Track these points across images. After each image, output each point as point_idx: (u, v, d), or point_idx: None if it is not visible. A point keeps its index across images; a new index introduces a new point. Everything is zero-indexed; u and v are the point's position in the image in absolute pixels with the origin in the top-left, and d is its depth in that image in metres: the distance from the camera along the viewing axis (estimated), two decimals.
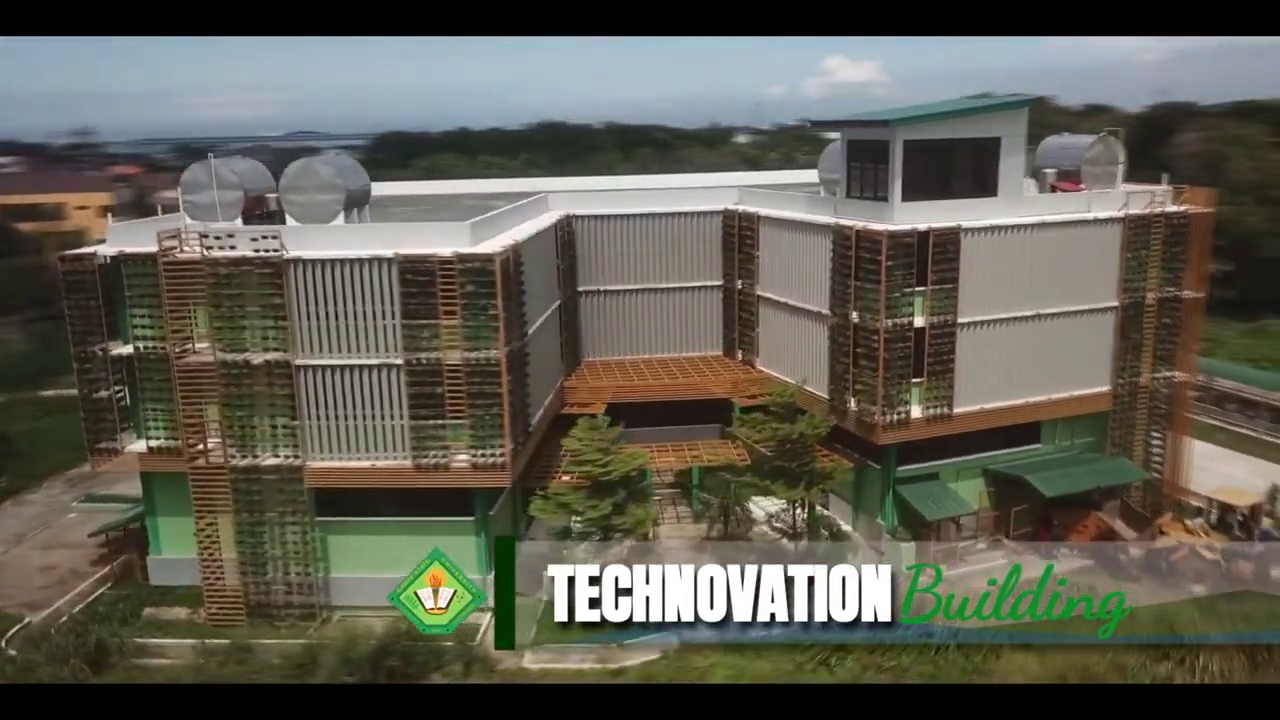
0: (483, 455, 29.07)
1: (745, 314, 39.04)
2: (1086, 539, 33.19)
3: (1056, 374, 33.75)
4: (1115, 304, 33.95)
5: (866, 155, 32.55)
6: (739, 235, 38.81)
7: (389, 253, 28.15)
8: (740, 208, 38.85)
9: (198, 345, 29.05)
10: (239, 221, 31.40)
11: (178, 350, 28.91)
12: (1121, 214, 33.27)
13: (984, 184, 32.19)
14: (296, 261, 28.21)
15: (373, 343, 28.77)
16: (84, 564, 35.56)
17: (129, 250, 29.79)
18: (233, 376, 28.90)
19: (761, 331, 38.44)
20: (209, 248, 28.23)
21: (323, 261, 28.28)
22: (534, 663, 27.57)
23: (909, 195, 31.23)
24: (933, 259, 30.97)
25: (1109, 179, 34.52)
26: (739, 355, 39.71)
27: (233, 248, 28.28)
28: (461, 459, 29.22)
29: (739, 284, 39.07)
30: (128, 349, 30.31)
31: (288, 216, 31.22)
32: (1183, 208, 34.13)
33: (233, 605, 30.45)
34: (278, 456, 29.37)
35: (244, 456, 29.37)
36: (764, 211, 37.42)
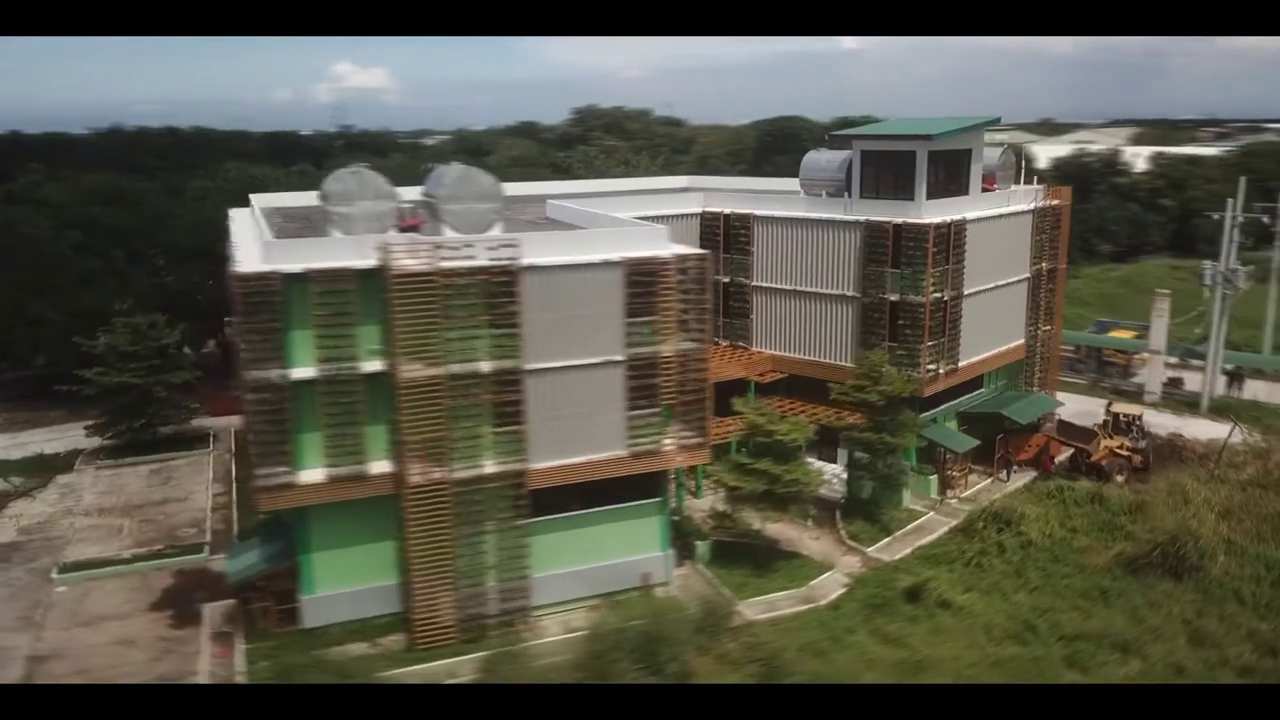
0: (688, 437, 31.86)
1: (736, 303, 44.32)
2: (1030, 457, 43.68)
3: (1004, 332, 43.87)
4: (1028, 275, 44.83)
5: (884, 163, 39.82)
6: (725, 233, 43.99)
7: (617, 256, 29.93)
8: (728, 210, 44.00)
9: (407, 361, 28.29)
10: (392, 232, 30.54)
11: (403, 367, 28.00)
12: (1033, 206, 44.16)
13: (962, 185, 41.03)
14: (530, 269, 28.87)
15: (596, 343, 30.22)
16: (171, 628, 31.69)
17: (317, 266, 27.99)
18: (461, 387, 28.67)
19: (755, 318, 44.02)
20: (444, 259, 27.85)
21: (556, 267, 29.24)
22: None
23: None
24: (951, 244, 39.18)
25: (1009, 181, 45.24)
26: (724, 341, 44.82)
27: (470, 258, 28.16)
28: (669, 443, 31.73)
29: (726, 278, 44.21)
30: (306, 372, 28.33)
31: (444, 226, 30.97)
32: (1055, 201, 45.93)
33: (443, 625, 29.89)
34: (502, 463, 29.57)
35: (468, 468, 29.16)
36: (759, 212, 43.02)
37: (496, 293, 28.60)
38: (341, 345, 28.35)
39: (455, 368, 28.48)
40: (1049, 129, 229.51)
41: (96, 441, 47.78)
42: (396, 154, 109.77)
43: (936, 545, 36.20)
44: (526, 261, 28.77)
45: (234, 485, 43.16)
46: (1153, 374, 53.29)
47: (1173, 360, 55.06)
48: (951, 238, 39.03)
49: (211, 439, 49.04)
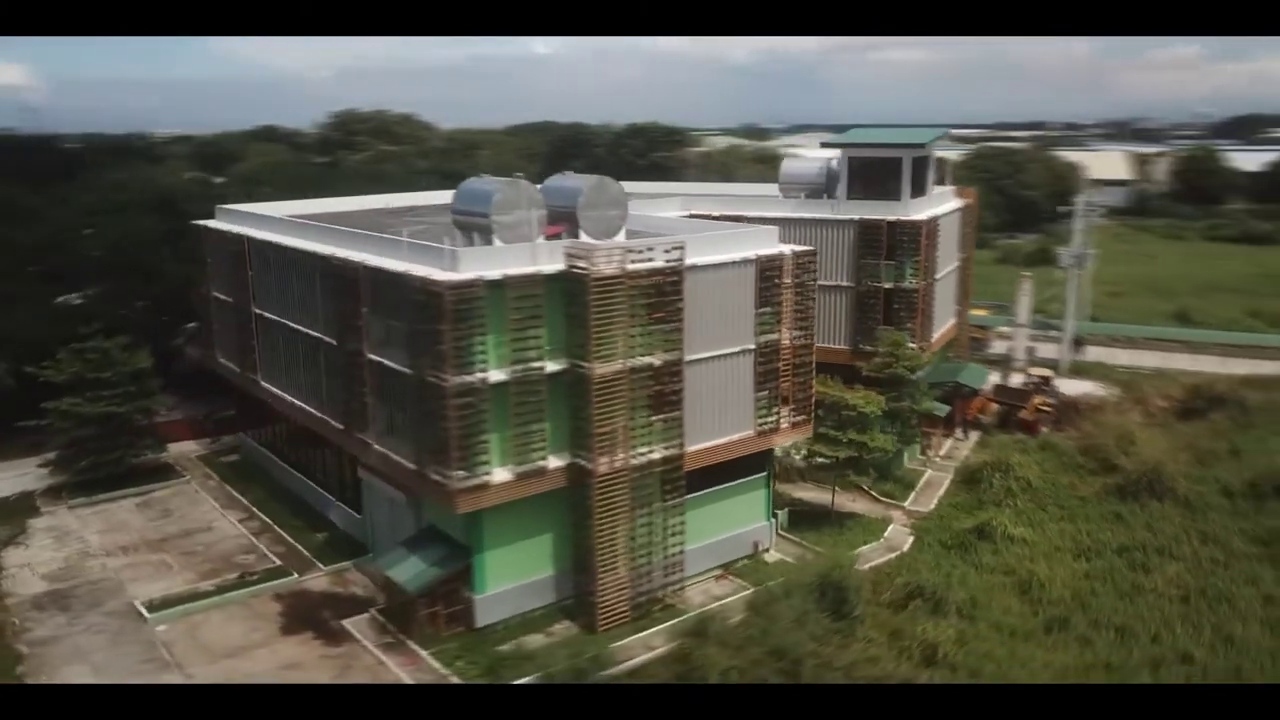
0: (797, 416, 35.75)
1: None
2: (972, 415, 51.24)
3: (947, 313, 51.04)
4: (958, 263, 52.38)
5: (871, 169, 45.48)
6: None
7: (752, 254, 33.28)
8: (715, 213, 47.95)
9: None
10: (542, 239, 32.06)
11: (597, 364, 29.88)
12: (963, 204, 51.73)
13: (923, 187, 47.60)
14: (692, 268, 31.61)
15: (734, 334, 33.38)
16: (326, 647, 31.52)
17: (515, 272, 29.29)
18: (638, 380, 30.91)
19: None
20: (631, 263, 30.03)
21: (707, 266, 32.13)
22: None
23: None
24: (929, 237, 45.57)
25: (939, 183, 52.57)
26: None
27: (650, 260, 30.48)
28: (785, 422, 35.46)
29: None
30: (499, 375, 29.51)
31: (582, 232, 32.88)
32: (969, 200, 53.88)
33: (619, 606, 31.92)
34: (665, 449, 32.04)
35: (641, 455, 31.43)
36: (751, 214, 47.28)
37: (667, 291, 31.08)
38: (530, 347, 29.72)
39: (635, 362, 30.66)
40: (756, 134, 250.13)
41: (46, 481, 43.82)
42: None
43: (954, 495, 42.30)
44: (689, 261, 31.49)
45: (254, 509, 41.53)
46: (1018, 345, 63.03)
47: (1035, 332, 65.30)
48: (930, 232, 45.40)
49: (172, 467, 46.18)
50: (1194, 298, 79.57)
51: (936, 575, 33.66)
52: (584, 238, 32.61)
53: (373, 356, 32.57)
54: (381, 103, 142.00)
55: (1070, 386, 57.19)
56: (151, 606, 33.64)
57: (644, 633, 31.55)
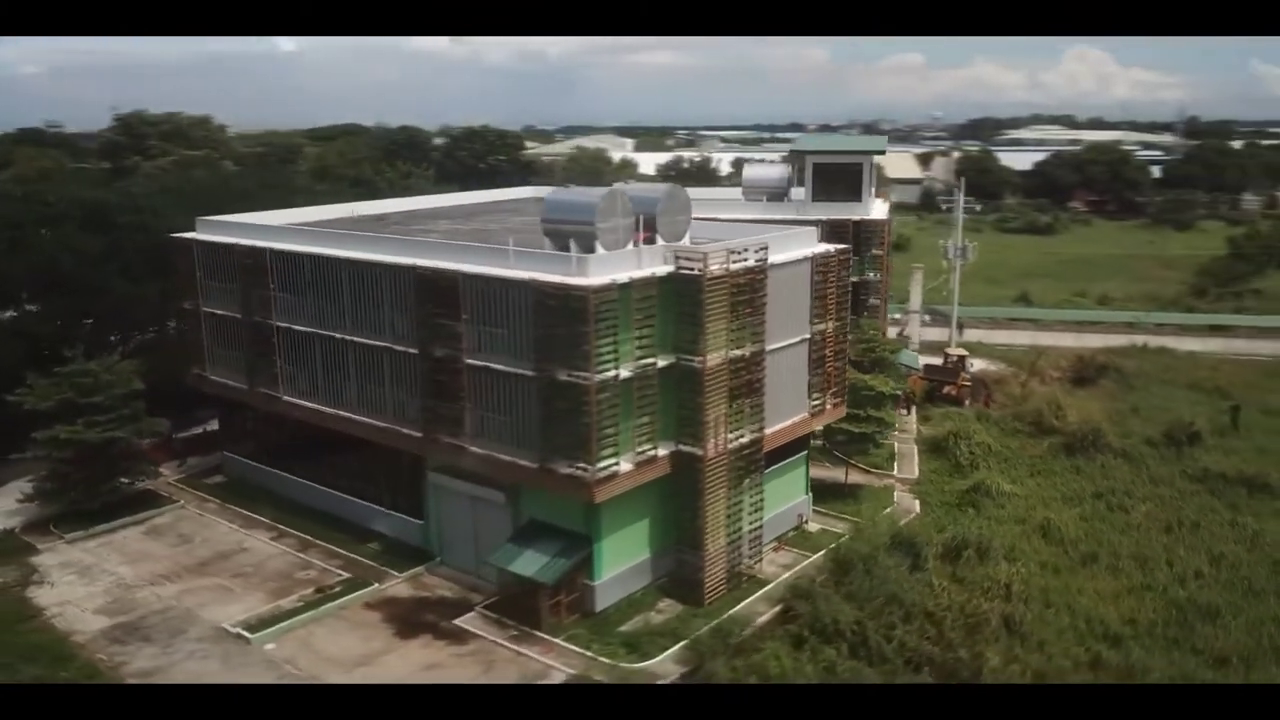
0: (836, 398, 39.69)
1: None
2: (915, 392, 57.22)
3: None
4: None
5: (834, 174, 50.19)
6: None
7: (809, 252, 36.88)
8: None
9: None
10: (631, 245, 34.24)
11: (709, 356, 32.54)
12: (890, 203, 57.61)
13: (870, 190, 52.89)
14: (772, 266, 34.82)
15: (795, 325, 36.84)
16: (454, 645, 32.46)
17: (639, 275, 31.48)
18: (735, 370, 33.82)
19: None
20: (734, 263, 32.87)
21: (781, 264, 35.42)
22: None
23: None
24: (887, 234, 50.90)
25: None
26: None
27: (745, 260, 33.41)
28: (829, 404, 39.30)
29: None
30: (626, 371, 31.62)
31: (658, 236, 35.31)
32: (889, 201, 59.90)
33: (720, 580, 34.70)
34: (751, 433, 35.08)
35: (737, 438, 34.36)
36: (724, 216, 50.83)
37: (755, 288, 34.10)
38: (649, 344, 31.97)
39: (732, 353, 33.51)
40: (539, 136, 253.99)
41: (18, 518, 41.20)
42: None
43: (930, 463, 47.65)
44: (772, 260, 34.68)
45: (280, 527, 40.75)
46: (913, 329, 70.18)
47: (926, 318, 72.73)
48: (889, 229, 50.70)
49: (155, 492, 44.25)
50: (1022, 283, 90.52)
51: (969, 529, 38.48)
52: (659, 241, 35.00)
53: (473, 362, 33.54)
54: (114, 103, 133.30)
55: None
56: (248, 627, 33.03)
57: (744, 602, 34.40)
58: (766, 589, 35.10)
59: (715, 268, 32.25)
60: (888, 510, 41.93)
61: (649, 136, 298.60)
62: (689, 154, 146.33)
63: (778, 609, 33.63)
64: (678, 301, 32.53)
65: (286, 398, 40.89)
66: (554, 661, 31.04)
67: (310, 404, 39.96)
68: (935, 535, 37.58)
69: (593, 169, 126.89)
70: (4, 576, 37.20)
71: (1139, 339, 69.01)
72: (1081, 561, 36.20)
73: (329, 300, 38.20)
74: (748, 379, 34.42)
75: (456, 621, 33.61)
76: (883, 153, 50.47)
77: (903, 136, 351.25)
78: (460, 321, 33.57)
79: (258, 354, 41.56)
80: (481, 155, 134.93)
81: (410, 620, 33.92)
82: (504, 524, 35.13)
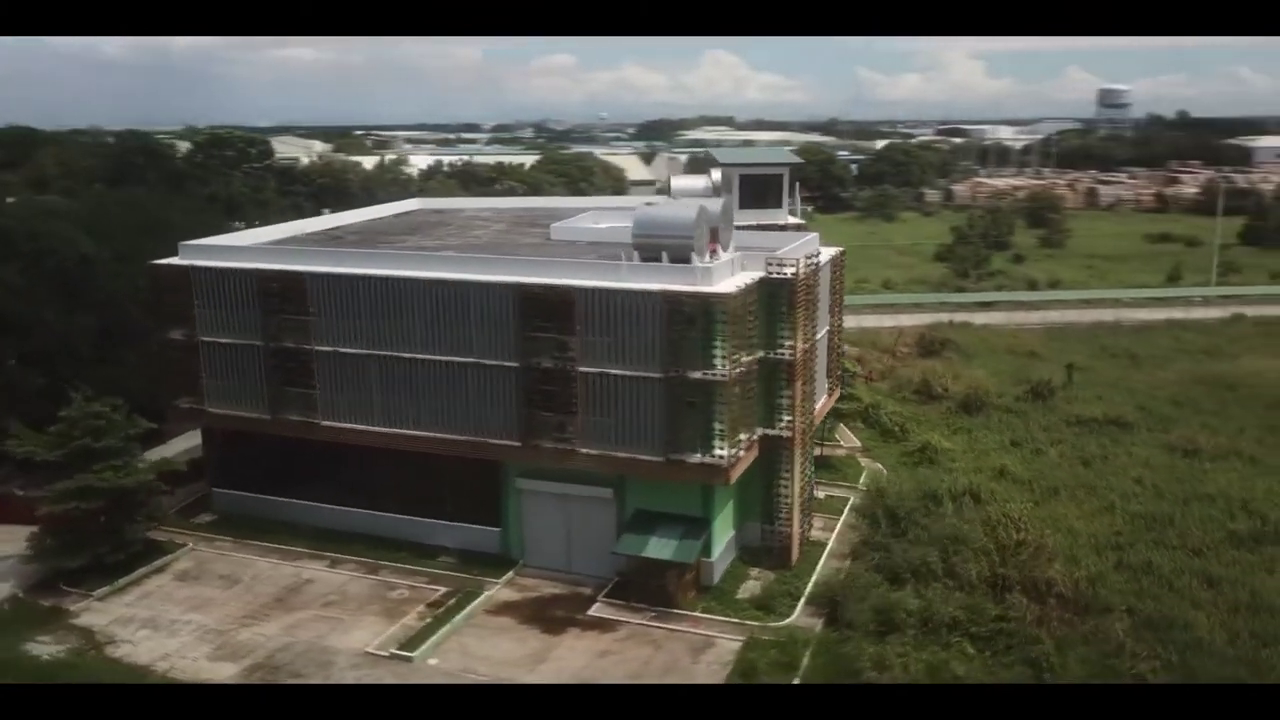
0: (836, 384, 45.71)
1: None
2: None
3: None
4: None
5: (756, 184, 56.05)
6: None
7: (834, 252, 42.60)
8: (603, 225, 54.92)
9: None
10: (708, 255, 38.15)
11: (801, 346, 37.36)
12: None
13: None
14: (820, 267, 40.12)
15: (824, 318, 42.32)
16: (604, 634, 34.88)
17: (749, 281, 35.65)
18: (805, 364, 38.86)
19: None
20: (808, 268, 37.84)
21: (822, 265, 40.78)
22: None
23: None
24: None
25: None
26: None
27: (812, 264, 38.44)
28: (835, 388, 45.25)
29: None
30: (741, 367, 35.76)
31: (719, 245, 39.48)
32: None
33: (800, 545, 39.65)
34: (804, 420, 40.27)
35: (807, 420, 39.45)
36: None
37: (817, 286, 39.23)
38: (754, 340, 36.23)
39: (803, 346, 38.48)
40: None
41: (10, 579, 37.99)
42: None
43: (862, 432, 55.00)
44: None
45: (329, 554, 40.17)
46: None
47: None
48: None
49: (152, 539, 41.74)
50: None
51: (947, 481, 45.88)
52: (720, 252, 39.18)
53: (587, 370, 35.89)
54: None
55: None
56: (401, 647, 33.34)
57: (820, 561, 39.48)
58: (829, 548, 40.43)
59: (800, 272, 37.04)
60: (865, 474, 48.57)
61: (348, 139, 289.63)
62: (450, 158, 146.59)
63: (848, 562, 39.10)
64: (769, 302, 36.91)
65: (325, 423, 40.26)
66: (710, 631, 34.51)
67: (360, 426, 39.74)
68: (940, 486, 44.19)
69: (379, 178, 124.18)
70: (63, 643, 34.21)
71: (941, 317, 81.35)
72: (1045, 495, 44.77)
73: (392, 321, 38.39)
74: (811, 367, 39.52)
75: (590, 613, 35.90)
76: (801, 164, 56.99)
77: (587, 137, 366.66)
78: (574, 333, 35.77)
79: (285, 381, 40.42)
80: (235, 163, 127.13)
81: (544, 618, 35.72)
82: (607, 518, 37.74)
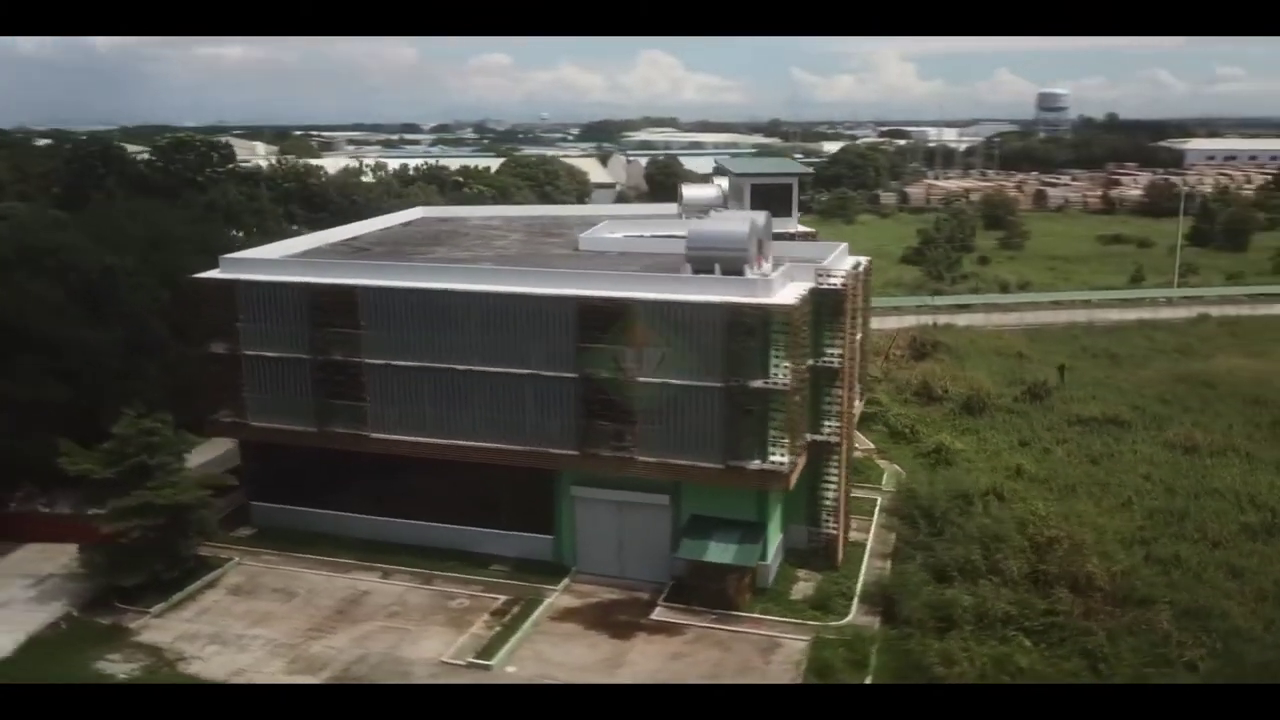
0: (862, 388, 47.23)
1: None
2: None
3: None
4: None
5: (766, 194, 57.37)
6: None
7: (865, 260, 44.00)
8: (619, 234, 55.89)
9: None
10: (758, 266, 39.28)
11: (846, 354, 38.75)
12: None
13: None
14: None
15: (855, 325, 43.76)
16: (671, 637, 35.94)
17: (804, 292, 36.92)
18: (849, 370, 40.25)
19: None
20: (853, 277, 39.24)
21: (860, 275, 42.20)
22: None
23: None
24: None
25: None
26: None
27: (860, 276, 39.84)
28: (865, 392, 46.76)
29: None
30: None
31: (762, 258, 40.67)
32: None
33: (844, 546, 41.06)
34: (848, 425, 41.69)
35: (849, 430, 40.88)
36: (679, 233, 56.29)
37: (859, 295, 40.67)
38: (807, 348, 37.52)
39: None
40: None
41: (53, 599, 37.87)
42: None
43: (873, 434, 56.73)
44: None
45: (380, 565, 40.50)
46: None
47: None
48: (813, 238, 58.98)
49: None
50: None
51: (968, 481, 47.61)
52: (763, 264, 40.39)
53: (647, 379, 36.82)
54: None
55: None
56: (478, 655, 33.94)
57: (864, 561, 40.89)
58: (868, 548, 41.89)
59: (850, 282, 38.42)
60: (887, 475, 50.19)
61: (289, 139, 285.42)
62: (415, 161, 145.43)
63: (889, 561, 40.61)
64: (818, 311, 38.20)
65: (375, 435, 40.57)
66: (773, 632, 35.68)
67: (411, 438, 40.14)
68: (969, 487, 45.77)
69: (359, 185, 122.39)
70: (133, 661, 34.19)
71: (923, 320, 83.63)
72: (1063, 493, 46.75)
73: (447, 334, 38.88)
74: (853, 374, 40.94)
75: (652, 617, 36.82)
76: (811, 173, 58.38)
77: (532, 138, 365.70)
78: (634, 345, 36.66)
79: (333, 394, 40.66)
80: (197, 168, 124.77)
81: (609, 623, 36.56)
82: (662, 524, 38.72)
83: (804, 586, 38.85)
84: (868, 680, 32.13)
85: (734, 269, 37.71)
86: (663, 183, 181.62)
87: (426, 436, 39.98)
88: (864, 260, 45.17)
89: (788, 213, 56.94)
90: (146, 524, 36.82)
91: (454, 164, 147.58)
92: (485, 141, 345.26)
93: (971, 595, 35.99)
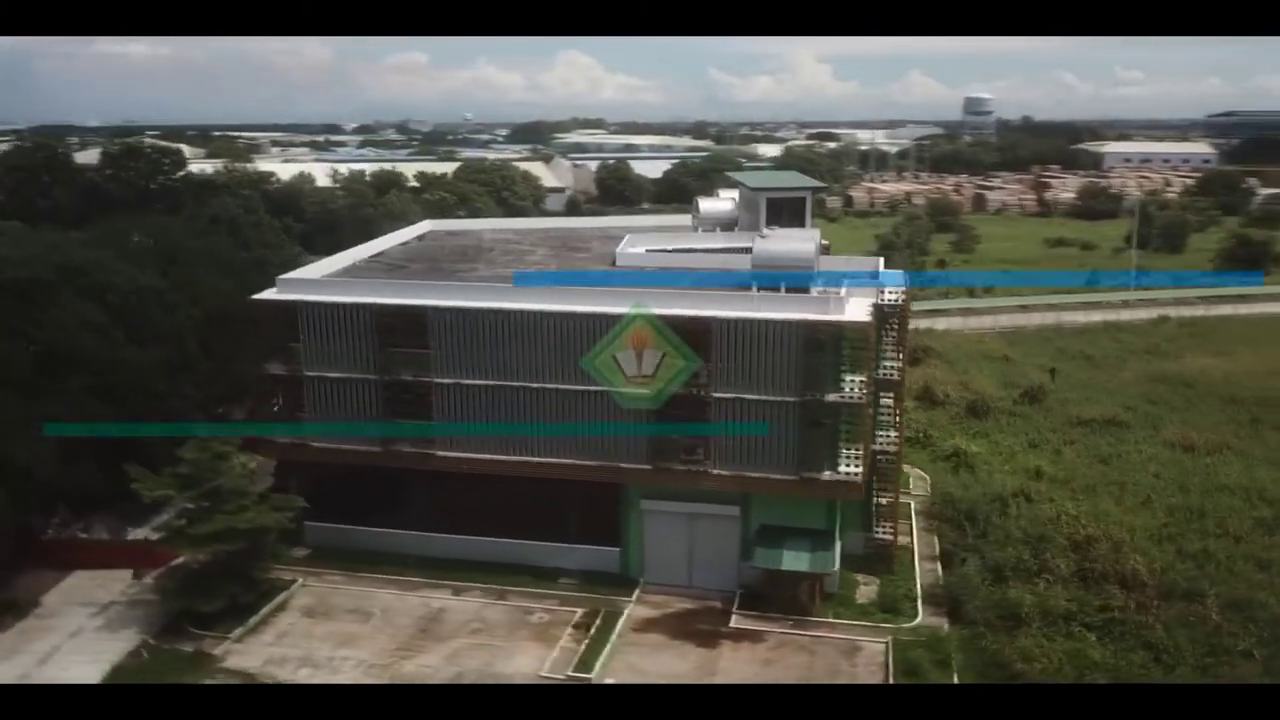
0: None
1: None
2: None
3: None
4: None
5: (781, 206, 58.95)
6: None
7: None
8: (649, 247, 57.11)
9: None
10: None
11: (900, 369, 40.52)
12: None
13: None
14: None
15: None
16: (739, 642, 37.23)
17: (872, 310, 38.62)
18: (903, 382, 42.07)
19: None
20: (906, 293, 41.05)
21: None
22: None
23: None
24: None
25: None
26: None
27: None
28: None
29: None
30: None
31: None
32: None
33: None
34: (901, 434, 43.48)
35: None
36: (698, 246, 57.56)
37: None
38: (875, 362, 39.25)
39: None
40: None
41: (124, 626, 37.61)
42: None
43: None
44: None
45: (451, 583, 40.96)
46: None
47: None
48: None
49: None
50: None
51: (1000, 482, 49.76)
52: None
53: (721, 395, 38.06)
54: None
55: None
56: (576, 669, 34.73)
57: (917, 564, 42.74)
58: (915, 551, 43.78)
59: (904, 297, 40.22)
60: (912, 479, 52.19)
61: (216, 142, 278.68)
62: (364, 166, 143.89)
63: (939, 564, 42.55)
64: (879, 325, 39.86)
65: (443, 453, 41.01)
66: (850, 635, 37.25)
67: (480, 455, 40.68)
68: (1002, 489, 47.81)
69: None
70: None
71: None
72: (1084, 493, 49.31)
73: (518, 352, 39.52)
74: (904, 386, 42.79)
75: (731, 625, 38.05)
76: (825, 187, 60.08)
77: (460, 140, 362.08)
78: (710, 361, 37.86)
79: (399, 414, 40.97)
80: (148, 174, 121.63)
81: (690, 632, 37.71)
82: (731, 534, 40.00)
83: (867, 590, 40.50)
84: (954, 679, 33.87)
85: (800, 286, 39.16)
86: (614, 187, 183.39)
87: (496, 454, 40.56)
88: (902, 274, 47.05)
89: (801, 224, 58.56)
90: (229, 549, 36.72)
91: (407, 169, 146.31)
92: (415, 143, 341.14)
93: (1031, 594, 38.02)
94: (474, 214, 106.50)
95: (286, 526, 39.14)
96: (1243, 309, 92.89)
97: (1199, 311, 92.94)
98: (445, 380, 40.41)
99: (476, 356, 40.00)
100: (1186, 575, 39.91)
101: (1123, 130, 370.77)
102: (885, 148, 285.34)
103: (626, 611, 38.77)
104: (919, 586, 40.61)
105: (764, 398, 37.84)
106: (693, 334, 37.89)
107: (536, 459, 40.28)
